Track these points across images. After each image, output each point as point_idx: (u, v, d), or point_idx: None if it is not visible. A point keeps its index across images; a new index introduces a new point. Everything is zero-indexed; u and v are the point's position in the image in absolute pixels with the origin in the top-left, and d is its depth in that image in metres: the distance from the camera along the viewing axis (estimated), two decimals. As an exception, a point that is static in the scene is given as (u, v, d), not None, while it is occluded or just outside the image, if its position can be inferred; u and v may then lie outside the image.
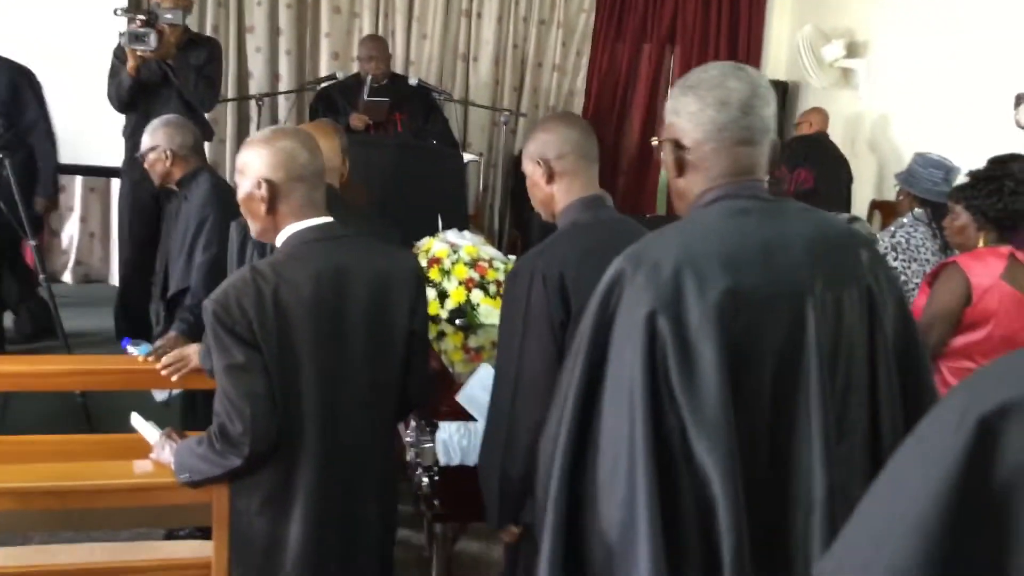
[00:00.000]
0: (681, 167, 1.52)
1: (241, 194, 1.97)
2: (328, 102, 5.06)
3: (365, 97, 4.94)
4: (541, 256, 1.98)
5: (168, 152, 3.16)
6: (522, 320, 1.93)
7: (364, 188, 3.65)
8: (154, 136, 3.19)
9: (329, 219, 1.98)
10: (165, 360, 2.64)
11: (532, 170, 2.14)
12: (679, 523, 1.34)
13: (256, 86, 5.71)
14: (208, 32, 5.61)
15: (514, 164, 6.33)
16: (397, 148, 4.58)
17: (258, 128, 5.32)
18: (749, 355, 1.36)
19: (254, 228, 2.01)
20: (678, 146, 1.51)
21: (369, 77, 4.97)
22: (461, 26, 6.22)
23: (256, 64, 5.76)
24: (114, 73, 4.27)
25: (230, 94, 5.68)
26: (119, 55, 4.26)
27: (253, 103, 5.28)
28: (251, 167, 1.93)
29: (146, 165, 3.24)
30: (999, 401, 0.70)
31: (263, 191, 1.90)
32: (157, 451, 2.17)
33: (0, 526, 2.52)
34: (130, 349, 2.88)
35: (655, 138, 1.54)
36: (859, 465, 1.49)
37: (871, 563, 0.73)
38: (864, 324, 1.47)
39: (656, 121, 6.56)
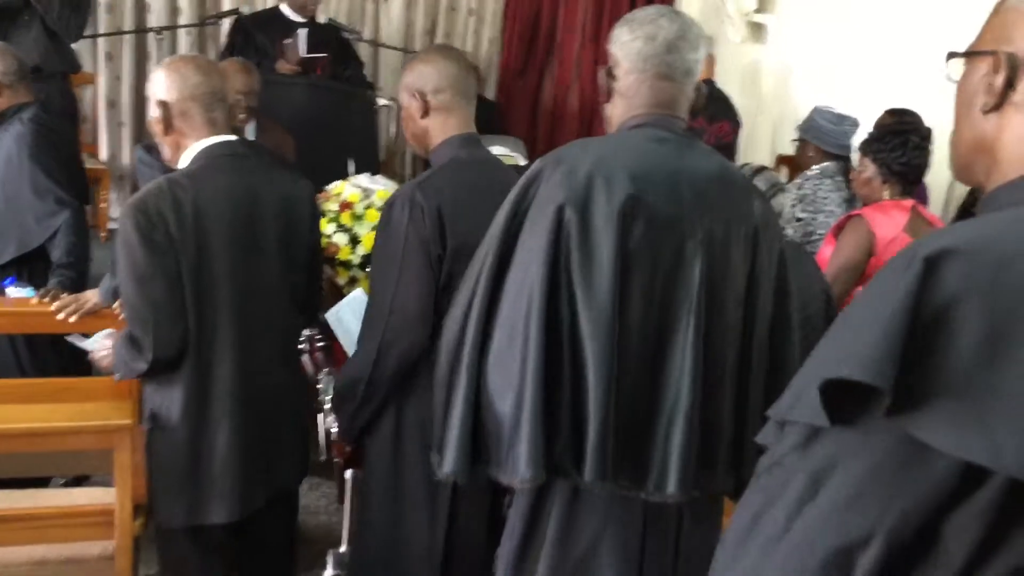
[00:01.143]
0: (609, 93, 1.67)
1: (149, 119, 2.10)
2: (246, 36, 4.83)
3: (303, 54, 4.70)
4: (420, 188, 1.96)
5: None
6: (400, 250, 1.93)
7: (291, 138, 3.53)
8: None
9: (233, 137, 2.08)
10: (60, 303, 2.53)
11: (408, 102, 2.09)
12: (556, 407, 1.50)
13: (155, 19, 5.42)
14: (102, -42, 5.31)
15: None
16: (307, 87, 4.42)
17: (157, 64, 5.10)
18: (641, 262, 1.50)
19: (164, 152, 2.10)
20: (609, 74, 1.67)
21: (305, 32, 4.74)
22: (371, -36, 6.04)
23: (155, -5, 5.47)
24: None
25: (127, 27, 5.39)
26: None
27: (152, 38, 5.03)
28: (153, 92, 2.04)
29: None
30: (939, 246, 0.84)
31: (158, 112, 2.02)
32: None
33: None
34: (12, 291, 2.74)
35: (600, 66, 1.71)
36: (727, 386, 1.62)
37: (844, 362, 0.84)
38: (747, 260, 1.61)
39: (581, 71, 6.52)
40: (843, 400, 0.85)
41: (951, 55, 1.04)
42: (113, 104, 5.49)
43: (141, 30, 5.34)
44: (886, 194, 2.84)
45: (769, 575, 0.91)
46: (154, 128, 2.06)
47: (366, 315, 2.04)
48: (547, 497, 1.59)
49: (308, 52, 4.66)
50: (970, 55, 1.01)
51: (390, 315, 1.95)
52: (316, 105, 4.32)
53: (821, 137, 3.61)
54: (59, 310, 2.53)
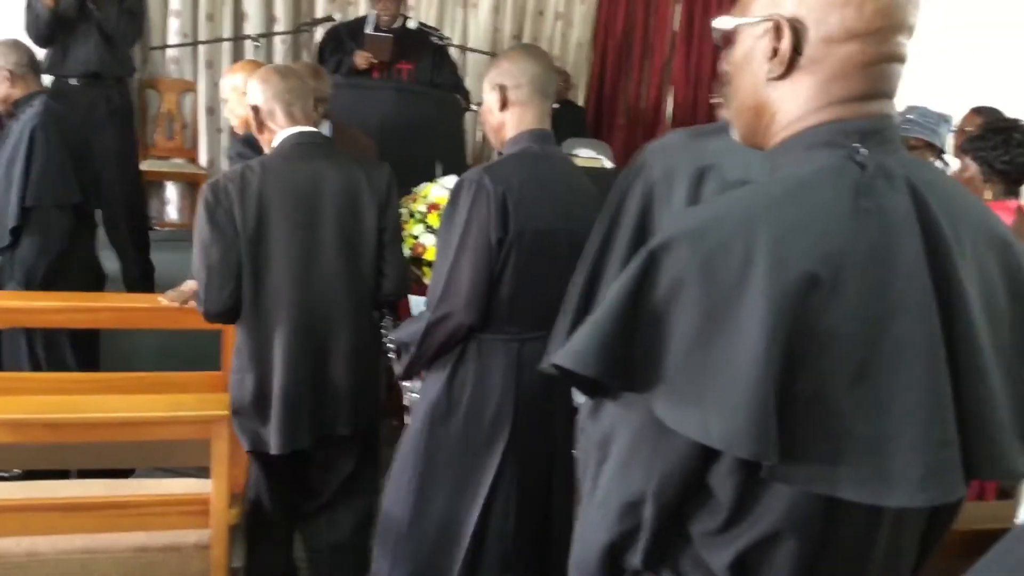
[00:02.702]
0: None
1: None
2: (336, 42, 4.95)
3: (369, 31, 4.82)
4: (488, 172, 2.08)
5: (6, 72, 3.02)
6: (461, 232, 2.07)
7: (371, 141, 3.60)
8: None
9: (312, 129, 2.41)
10: (167, 296, 2.74)
11: (488, 96, 2.20)
12: None
13: (252, 27, 5.59)
14: (202, -29, 5.50)
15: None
16: (394, 92, 4.49)
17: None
18: None
19: (264, 148, 2.47)
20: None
21: (374, 14, 4.87)
22: (461, -29, 6.11)
23: (251, 5, 5.63)
24: (29, 5, 4.11)
25: (226, 34, 5.58)
26: None
27: (250, 44, 5.18)
28: (249, 99, 2.42)
29: None
30: (664, 237, 0.92)
31: (253, 115, 2.39)
32: None
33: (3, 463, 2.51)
34: None
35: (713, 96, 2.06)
36: None
37: (561, 350, 0.96)
38: None
39: (672, 76, 6.50)
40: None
41: (716, 22, 1.07)
42: (212, 111, 5.67)
43: (239, 37, 5.52)
44: (988, 194, 2.73)
45: (592, 527, 1.05)
46: (253, 129, 2.44)
47: (429, 287, 2.20)
48: None
49: (383, 47, 4.75)
50: (743, 24, 1.03)
51: (443, 293, 2.11)
52: (404, 109, 4.38)
53: (934, 136, 3.48)
54: (171, 301, 2.74)
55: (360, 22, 5.05)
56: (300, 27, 5.49)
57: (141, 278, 4.43)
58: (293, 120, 2.39)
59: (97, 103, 4.26)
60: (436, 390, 2.21)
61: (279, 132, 2.39)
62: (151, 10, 5.36)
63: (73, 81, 4.23)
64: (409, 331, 2.23)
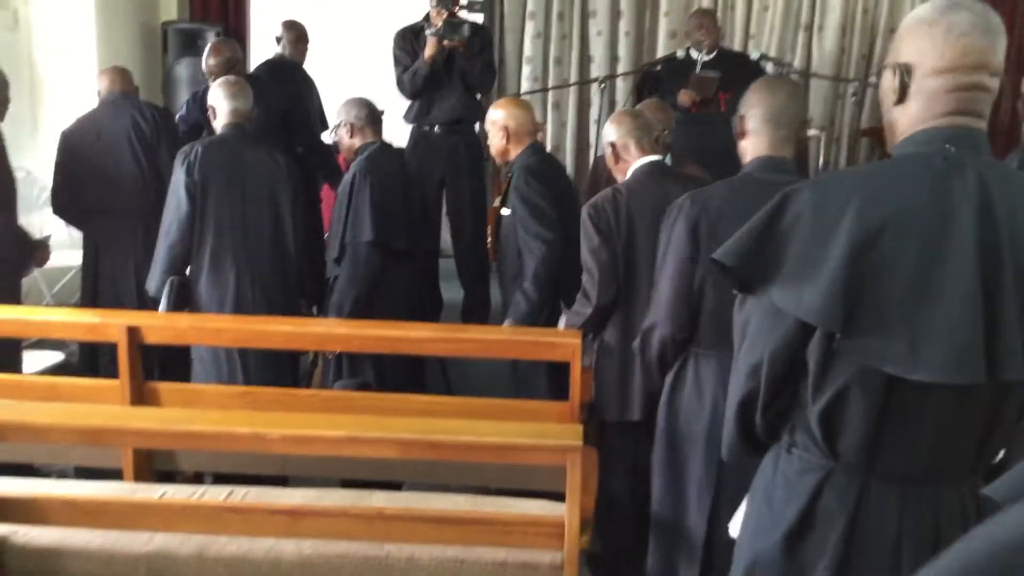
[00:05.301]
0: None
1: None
2: (655, 81, 5.08)
3: (697, 71, 4.87)
4: (692, 196, 2.32)
5: (347, 124, 3.54)
6: (665, 247, 2.36)
7: (703, 172, 3.65)
8: (338, 113, 3.61)
9: (657, 158, 2.96)
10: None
11: (735, 123, 2.37)
12: None
13: (597, 69, 5.86)
14: (553, 19, 5.86)
15: (858, 139, 5.97)
16: (727, 125, 4.47)
17: (599, 111, 5.50)
18: None
19: (616, 176, 3.03)
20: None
21: (702, 55, 4.91)
22: (805, -6, 5.95)
23: (597, 47, 5.91)
24: (400, 62, 4.60)
25: (572, 78, 5.89)
26: (402, 46, 4.58)
27: (595, 86, 5.44)
28: (606, 137, 3.03)
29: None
30: (797, 185, 1.42)
31: (609, 150, 2.98)
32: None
33: (368, 472, 2.82)
34: None
35: None
36: None
37: (721, 251, 1.46)
38: None
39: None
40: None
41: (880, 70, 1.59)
42: (558, 148, 6.01)
43: (585, 81, 5.81)
44: None
45: (731, 389, 1.55)
46: (608, 161, 3.05)
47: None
48: None
49: (708, 86, 4.82)
50: (882, 68, 1.51)
51: (652, 305, 2.44)
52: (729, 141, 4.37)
53: None
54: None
55: (679, 62, 5.09)
56: (644, 67, 5.66)
57: (479, 307, 4.76)
58: (643, 151, 2.93)
59: (458, 147, 4.69)
60: (663, 401, 2.51)
61: (633, 163, 2.92)
62: (509, 57, 5.85)
63: (436, 129, 4.69)
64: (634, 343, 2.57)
